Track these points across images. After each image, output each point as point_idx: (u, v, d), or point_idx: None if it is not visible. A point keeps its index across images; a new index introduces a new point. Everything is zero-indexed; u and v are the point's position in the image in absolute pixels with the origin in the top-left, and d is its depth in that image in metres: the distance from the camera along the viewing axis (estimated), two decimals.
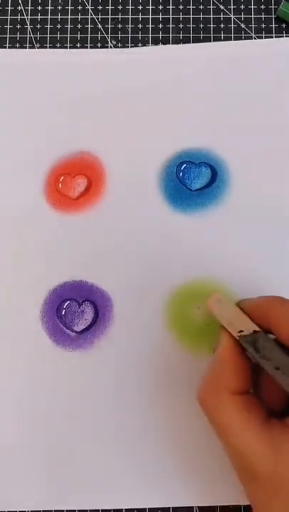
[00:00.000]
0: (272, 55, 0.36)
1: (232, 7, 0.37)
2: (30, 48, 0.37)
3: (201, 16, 0.37)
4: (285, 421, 0.24)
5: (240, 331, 0.26)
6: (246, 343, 0.26)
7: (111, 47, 0.37)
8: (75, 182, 0.35)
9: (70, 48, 0.37)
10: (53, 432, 0.32)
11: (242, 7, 0.37)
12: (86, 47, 0.37)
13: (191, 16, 0.37)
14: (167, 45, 0.37)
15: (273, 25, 0.37)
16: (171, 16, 0.37)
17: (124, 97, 0.36)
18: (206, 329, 0.32)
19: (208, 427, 0.26)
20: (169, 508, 0.31)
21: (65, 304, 0.33)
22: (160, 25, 0.37)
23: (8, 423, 0.32)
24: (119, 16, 0.37)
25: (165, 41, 0.37)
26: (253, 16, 0.37)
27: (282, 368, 0.24)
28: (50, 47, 0.37)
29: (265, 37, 0.37)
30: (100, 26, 0.37)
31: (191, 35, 0.37)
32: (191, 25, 0.37)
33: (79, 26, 0.37)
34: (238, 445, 0.24)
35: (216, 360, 0.26)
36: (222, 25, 0.37)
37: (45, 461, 0.32)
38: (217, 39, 0.37)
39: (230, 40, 0.37)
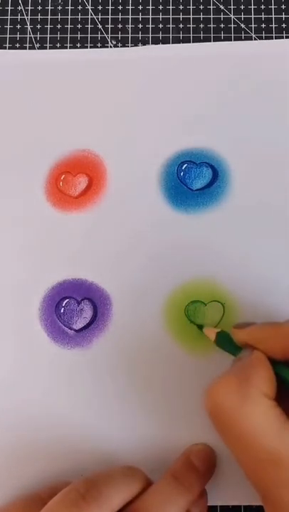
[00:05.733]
0: (273, 55, 0.36)
1: (232, 7, 0.37)
2: (30, 48, 0.37)
3: (201, 16, 0.37)
4: None
5: None
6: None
7: (111, 47, 0.37)
8: (76, 180, 0.35)
9: (70, 48, 0.37)
10: (50, 431, 0.31)
11: (242, 7, 0.37)
12: (86, 47, 0.37)
13: (191, 16, 0.37)
14: (167, 45, 0.37)
15: (273, 25, 0.37)
16: (171, 16, 0.37)
17: (124, 96, 0.36)
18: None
19: (212, 429, 0.25)
20: None
21: (64, 302, 0.33)
22: (160, 25, 0.37)
23: (3, 420, 0.32)
24: (119, 16, 0.37)
25: (165, 41, 0.37)
26: (253, 16, 0.37)
27: None
28: (50, 47, 0.37)
29: (265, 37, 0.37)
30: (100, 26, 0.37)
31: (191, 35, 0.37)
32: (191, 25, 0.37)
33: (79, 26, 0.37)
34: (276, 446, 0.22)
35: (245, 363, 0.25)
36: (222, 25, 0.37)
37: (41, 457, 0.31)
38: (217, 39, 0.37)
39: (231, 40, 0.37)
